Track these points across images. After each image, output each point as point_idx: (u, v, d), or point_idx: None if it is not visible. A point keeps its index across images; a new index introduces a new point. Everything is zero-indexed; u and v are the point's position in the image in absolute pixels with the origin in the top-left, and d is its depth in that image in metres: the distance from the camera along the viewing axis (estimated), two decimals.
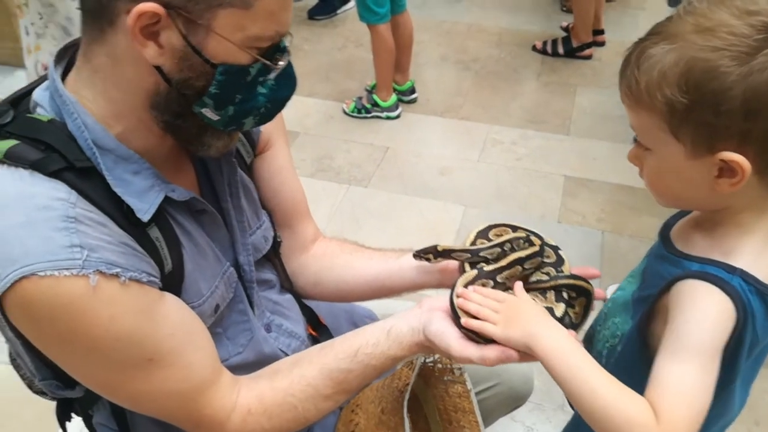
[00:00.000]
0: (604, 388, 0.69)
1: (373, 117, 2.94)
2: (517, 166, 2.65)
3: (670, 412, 0.69)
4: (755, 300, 0.73)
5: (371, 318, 1.20)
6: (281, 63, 0.74)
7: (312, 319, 1.07)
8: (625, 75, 0.74)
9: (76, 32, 1.96)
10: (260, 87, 0.74)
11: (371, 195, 2.54)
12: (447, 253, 0.90)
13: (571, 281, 0.82)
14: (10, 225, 0.66)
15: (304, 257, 1.06)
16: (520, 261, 0.85)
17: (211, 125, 0.75)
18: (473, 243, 0.91)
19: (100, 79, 0.73)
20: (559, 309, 0.79)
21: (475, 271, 0.83)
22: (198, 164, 0.88)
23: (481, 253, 0.87)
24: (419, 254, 0.93)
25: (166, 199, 0.78)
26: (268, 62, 0.72)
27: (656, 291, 0.80)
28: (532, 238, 0.89)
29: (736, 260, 0.75)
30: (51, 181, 0.68)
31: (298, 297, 1.07)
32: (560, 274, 0.84)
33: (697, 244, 0.81)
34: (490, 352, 0.72)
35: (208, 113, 0.73)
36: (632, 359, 0.85)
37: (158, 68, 0.70)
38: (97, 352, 0.70)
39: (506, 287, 0.83)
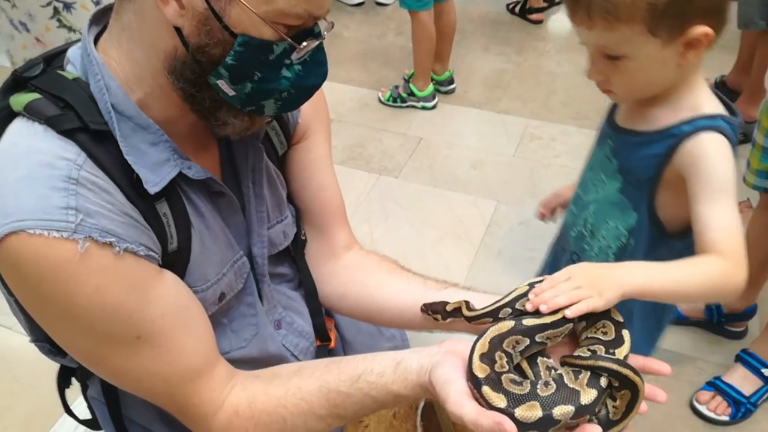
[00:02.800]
0: (687, 278, 0.80)
1: (408, 106, 2.89)
2: (554, 163, 2.57)
3: (728, 246, 0.84)
4: (732, 132, 0.91)
5: (401, 337, 1.15)
6: (305, 46, 0.69)
7: (320, 328, 1.01)
8: (592, 5, 0.87)
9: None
10: (285, 70, 0.70)
11: (401, 186, 2.49)
12: (458, 313, 0.79)
13: (615, 367, 0.63)
14: (11, 178, 0.65)
15: (333, 265, 0.99)
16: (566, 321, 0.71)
17: (227, 101, 0.71)
18: (518, 296, 0.75)
19: (127, 38, 0.71)
20: (588, 395, 0.62)
21: (511, 323, 0.68)
22: (223, 146, 0.84)
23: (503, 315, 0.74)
24: (427, 309, 0.84)
25: (182, 177, 0.75)
26: (291, 41, 0.68)
27: (652, 171, 0.95)
28: None
29: (704, 109, 0.93)
30: (62, 140, 0.66)
31: (314, 303, 1.01)
32: (605, 356, 0.66)
33: (659, 117, 0.96)
34: (485, 419, 0.59)
35: (224, 86, 0.69)
36: (650, 243, 0.99)
37: (178, 30, 0.67)
38: (81, 321, 0.67)
39: (543, 349, 0.71)
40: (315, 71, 0.73)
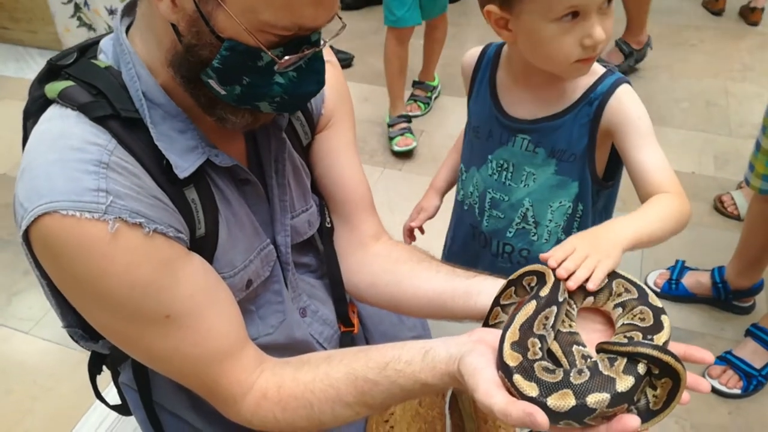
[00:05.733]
0: (660, 219, 0.86)
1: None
2: None
3: (671, 183, 0.92)
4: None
5: (423, 326, 1.15)
6: (287, 60, 0.68)
7: (343, 314, 1.03)
8: None
9: None
10: (278, 76, 0.70)
11: (405, 178, 2.51)
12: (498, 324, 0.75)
13: (656, 353, 0.59)
14: (45, 161, 0.67)
15: (363, 254, 0.98)
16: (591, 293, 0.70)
17: (221, 99, 0.72)
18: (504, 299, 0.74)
19: (143, 27, 0.73)
20: (624, 382, 0.58)
21: (533, 302, 0.66)
22: (249, 137, 0.86)
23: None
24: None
25: (210, 164, 0.76)
26: (272, 54, 0.67)
27: (586, 140, 1.03)
28: (627, 285, 0.72)
29: (597, 69, 1.02)
30: (94, 126, 0.69)
31: (338, 289, 1.02)
32: (644, 341, 0.62)
33: (567, 92, 1.03)
34: (515, 409, 0.57)
35: (214, 85, 0.70)
36: (592, 200, 1.09)
37: (174, 27, 0.68)
38: (111, 299, 0.69)
39: (570, 317, 0.70)
40: (310, 79, 0.73)
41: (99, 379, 0.97)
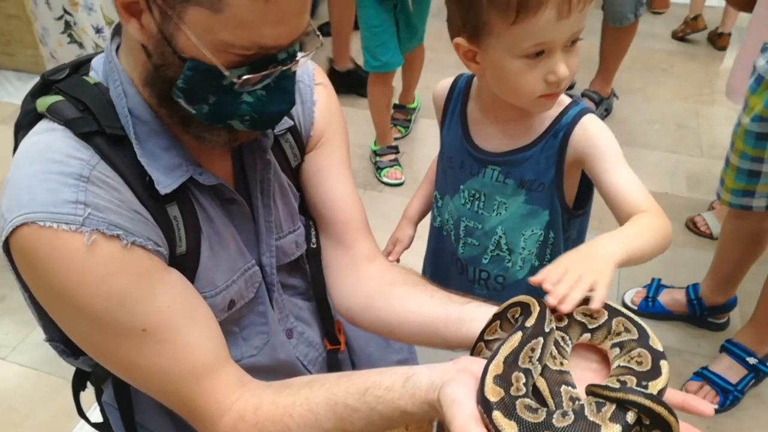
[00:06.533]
0: (644, 238, 0.85)
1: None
2: None
3: (649, 202, 0.93)
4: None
5: (409, 350, 1.14)
6: (247, 77, 0.68)
7: (330, 333, 1.02)
8: None
9: None
10: (246, 95, 0.70)
11: (386, 200, 2.54)
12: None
13: (647, 403, 0.55)
14: (27, 173, 0.68)
15: (356, 277, 0.95)
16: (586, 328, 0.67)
17: (193, 117, 0.73)
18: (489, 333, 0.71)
19: (126, 47, 0.75)
20: (610, 430, 0.55)
21: (518, 333, 0.63)
22: (236, 157, 0.87)
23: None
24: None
25: (194, 182, 0.77)
26: (227, 73, 0.67)
27: (554, 170, 1.05)
28: (628, 324, 0.69)
29: (563, 100, 1.05)
30: (78, 142, 0.70)
31: (323, 308, 1.02)
32: (636, 389, 0.58)
33: (534, 126, 1.06)
34: None
35: (184, 104, 0.71)
36: (563, 227, 1.11)
37: (144, 47, 0.70)
38: (88, 310, 0.69)
39: (562, 354, 0.67)
40: (279, 98, 0.73)
41: (83, 398, 0.96)
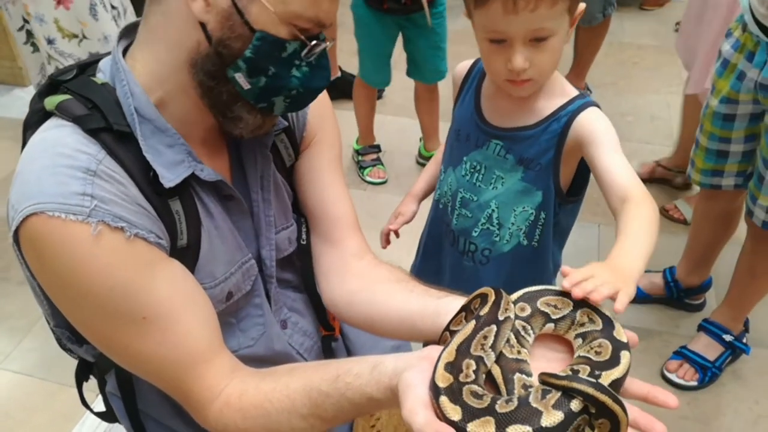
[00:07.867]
0: (648, 234, 0.90)
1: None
2: None
3: (639, 187, 0.98)
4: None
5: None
6: (315, 44, 0.76)
7: (323, 319, 1.06)
8: None
9: None
10: (295, 69, 0.77)
11: (370, 197, 2.58)
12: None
13: (590, 390, 0.55)
14: (37, 166, 0.71)
15: (343, 273, 0.97)
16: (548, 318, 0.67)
17: (242, 95, 0.78)
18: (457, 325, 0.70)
19: (153, 39, 0.77)
20: (551, 417, 0.55)
21: (472, 322, 0.64)
22: (234, 154, 0.90)
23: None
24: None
25: (195, 179, 0.81)
26: (303, 38, 0.75)
27: (553, 152, 1.12)
28: (593, 315, 0.67)
29: (571, 92, 1.14)
30: (86, 138, 0.73)
31: (316, 299, 1.04)
32: (583, 377, 0.58)
33: (541, 108, 1.13)
34: (431, 430, 0.56)
35: (241, 79, 0.76)
36: (554, 210, 1.17)
37: (203, 26, 0.74)
38: (91, 298, 0.72)
39: (522, 343, 0.67)
40: (320, 74, 0.81)
41: (85, 391, 0.99)
